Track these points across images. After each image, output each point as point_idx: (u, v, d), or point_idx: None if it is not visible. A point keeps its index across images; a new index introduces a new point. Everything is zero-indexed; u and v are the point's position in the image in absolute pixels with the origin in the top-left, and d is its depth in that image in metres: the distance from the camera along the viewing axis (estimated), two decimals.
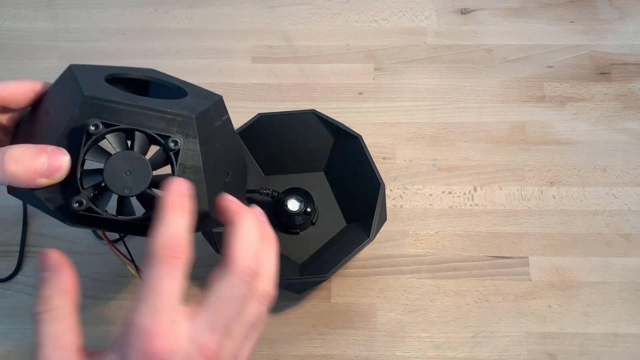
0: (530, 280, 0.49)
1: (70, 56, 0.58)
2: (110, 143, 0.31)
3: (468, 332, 0.48)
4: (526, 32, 0.59)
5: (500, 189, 0.53)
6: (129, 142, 0.31)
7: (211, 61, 0.59)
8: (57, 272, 0.29)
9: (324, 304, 0.49)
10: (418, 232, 0.51)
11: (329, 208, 0.50)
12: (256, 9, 0.61)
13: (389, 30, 0.60)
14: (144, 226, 0.31)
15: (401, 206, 0.52)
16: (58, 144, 0.30)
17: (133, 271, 0.38)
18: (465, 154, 0.54)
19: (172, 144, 0.31)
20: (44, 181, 0.29)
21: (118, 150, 0.31)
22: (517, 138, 0.55)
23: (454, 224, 0.51)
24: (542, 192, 0.52)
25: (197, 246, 0.29)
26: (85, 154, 0.30)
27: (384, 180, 0.47)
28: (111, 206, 0.31)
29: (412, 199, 0.52)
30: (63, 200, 0.30)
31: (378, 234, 0.46)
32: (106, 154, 0.30)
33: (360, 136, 0.49)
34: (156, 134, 0.31)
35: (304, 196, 0.49)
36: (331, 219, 0.50)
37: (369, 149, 0.48)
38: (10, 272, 0.50)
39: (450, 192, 0.53)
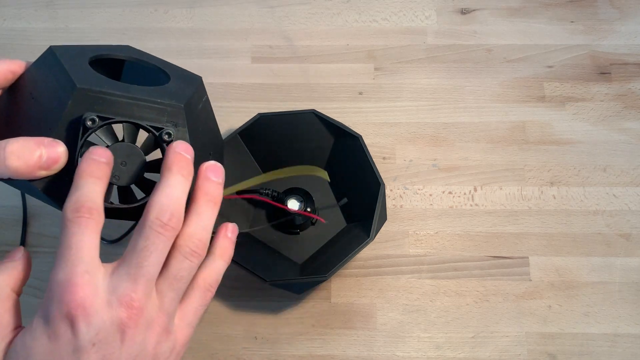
0: (531, 280, 0.49)
1: None
2: (98, 136, 0.32)
3: (468, 332, 0.48)
4: (526, 32, 0.59)
5: (501, 189, 0.53)
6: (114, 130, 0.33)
7: (211, 61, 0.59)
8: (13, 261, 0.31)
9: (324, 304, 0.49)
10: (418, 232, 0.51)
11: (329, 208, 0.50)
12: (256, 9, 0.61)
13: (389, 30, 0.60)
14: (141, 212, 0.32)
15: (401, 206, 0.52)
16: (53, 136, 0.30)
17: None
18: (465, 154, 0.54)
19: (166, 136, 0.32)
20: (42, 173, 0.30)
21: (107, 140, 0.32)
22: (517, 138, 0.54)
23: (454, 224, 0.51)
24: (542, 192, 0.52)
25: None
26: (82, 147, 0.31)
27: (384, 180, 0.47)
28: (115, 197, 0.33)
29: (412, 199, 0.52)
30: (61, 191, 0.31)
31: (378, 234, 0.46)
32: (100, 144, 0.31)
33: (360, 136, 0.49)
34: (150, 126, 0.32)
35: (304, 196, 0.49)
36: (331, 219, 0.50)
37: (369, 149, 0.48)
38: None
39: (450, 192, 0.53)
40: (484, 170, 0.53)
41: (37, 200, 0.35)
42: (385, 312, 0.48)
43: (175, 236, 0.30)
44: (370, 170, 0.47)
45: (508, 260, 0.50)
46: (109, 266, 0.29)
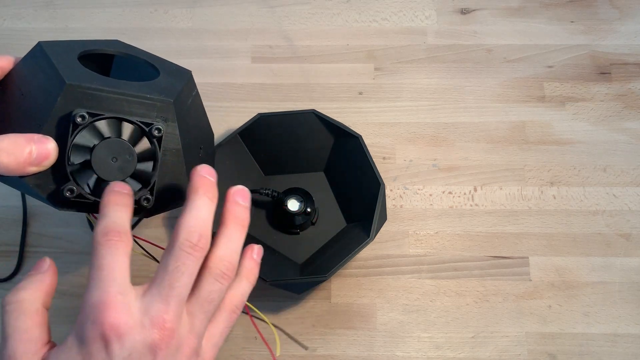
0: (531, 280, 0.49)
1: None
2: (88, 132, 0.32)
3: (468, 332, 0.48)
4: (526, 32, 0.59)
5: (501, 189, 0.53)
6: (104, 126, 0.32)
7: (211, 61, 0.59)
8: (40, 273, 0.32)
9: (324, 304, 0.49)
10: (418, 232, 0.51)
11: (329, 208, 0.50)
12: (256, 9, 0.61)
13: (389, 30, 0.60)
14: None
15: (401, 206, 0.52)
16: (42, 133, 0.31)
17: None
18: (465, 154, 0.54)
19: (156, 132, 0.32)
20: (33, 169, 0.30)
21: (96, 135, 0.32)
22: (517, 138, 0.54)
23: (454, 224, 0.51)
24: (542, 192, 0.52)
25: None
26: (72, 143, 0.31)
27: (384, 180, 0.47)
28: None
29: (412, 199, 0.52)
30: (52, 186, 0.31)
31: (378, 234, 0.46)
32: (90, 141, 0.32)
33: (360, 136, 0.49)
34: (140, 121, 0.32)
35: (304, 196, 0.49)
36: (331, 219, 0.50)
37: (369, 149, 0.48)
38: (10, 272, 0.50)
39: (450, 192, 0.53)
40: (484, 170, 0.53)
41: (37, 200, 0.35)
42: (385, 312, 0.48)
43: (203, 257, 0.30)
44: (370, 170, 0.47)
45: (508, 260, 0.50)
46: (140, 288, 0.29)
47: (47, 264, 0.32)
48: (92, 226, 0.51)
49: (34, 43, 0.35)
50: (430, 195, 0.53)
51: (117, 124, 0.32)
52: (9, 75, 0.34)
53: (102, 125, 0.32)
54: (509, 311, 0.48)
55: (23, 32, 0.60)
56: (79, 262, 0.50)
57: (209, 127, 0.41)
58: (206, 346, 0.32)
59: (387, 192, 0.52)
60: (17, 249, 0.51)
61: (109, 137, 0.32)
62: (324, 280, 0.48)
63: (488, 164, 0.54)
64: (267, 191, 0.49)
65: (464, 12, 0.60)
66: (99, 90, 0.31)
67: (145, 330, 0.28)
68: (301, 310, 0.49)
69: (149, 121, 0.32)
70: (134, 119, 0.32)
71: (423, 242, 0.51)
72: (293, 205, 0.48)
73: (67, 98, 0.31)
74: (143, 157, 0.33)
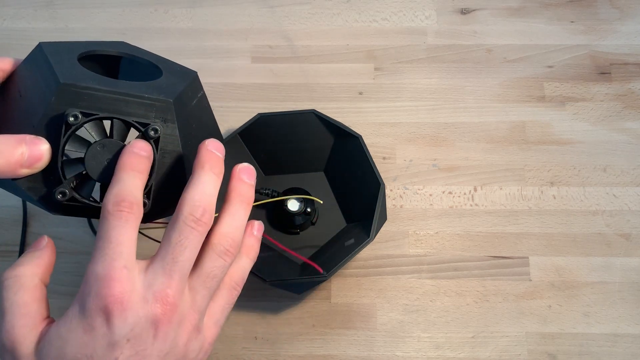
0: (530, 280, 0.49)
1: None
2: (88, 131, 0.31)
3: (468, 332, 0.48)
4: (526, 32, 0.59)
5: (501, 189, 0.53)
6: (107, 128, 0.32)
7: (211, 61, 0.59)
8: (39, 250, 0.31)
9: (324, 304, 0.49)
10: (418, 232, 0.51)
11: (329, 208, 0.50)
12: (256, 9, 0.61)
13: (389, 30, 0.60)
14: None
15: (401, 206, 0.52)
16: (36, 134, 0.30)
17: None
18: (465, 154, 0.54)
19: (152, 132, 0.31)
20: (25, 171, 0.29)
21: (96, 136, 0.31)
22: (517, 138, 0.54)
23: (454, 224, 0.51)
24: (542, 192, 0.52)
25: None
26: (65, 144, 0.30)
27: (384, 180, 0.47)
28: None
29: (412, 199, 0.52)
30: (45, 189, 0.30)
31: (378, 234, 0.46)
32: (85, 142, 0.31)
33: (360, 136, 0.49)
34: (135, 121, 0.31)
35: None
36: (331, 219, 0.50)
37: (369, 149, 0.48)
38: None
39: (450, 192, 0.53)
40: (484, 170, 0.53)
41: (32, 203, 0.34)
42: (385, 312, 0.48)
43: (207, 232, 0.30)
44: (370, 170, 0.47)
45: (508, 260, 0.50)
46: (143, 262, 0.29)
47: (45, 240, 0.32)
48: (92, 226, 0.51)
49: (34, 43, 0.35)
50: (430, 195, 0.53)
51: (117, 126, 0.31)
52: (11, 77, 0.34)
53: (97, 126, 0.31)
54: (509, 311, 0.48)
55: (23, 32, 0.60)
56: (79, 262, 0.50)
57: (218, 131, 0.39)
58: (208, 323, 0.32)
59: (387, 192, 0.52)
60: (17, 249, 0.51)
61: (103, 138, 0.31)
62: (324, 280, 0.48)
63: (488, 164, 0.54)
64: (267, 191, 0.49)
65: (464, 12, 0.60)
66: (95, 89, 0.30)
67: (148, 304, 0.28)
68: (301, 310, 0.49)
69: (146, 121, 0.31)
70: (129, 119, 0.31)
71: (423, 242, 0.51)
72: (293, 205, 0.48)
73: (61, 98, 0.30)
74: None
